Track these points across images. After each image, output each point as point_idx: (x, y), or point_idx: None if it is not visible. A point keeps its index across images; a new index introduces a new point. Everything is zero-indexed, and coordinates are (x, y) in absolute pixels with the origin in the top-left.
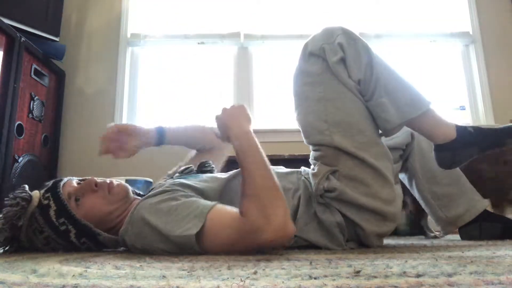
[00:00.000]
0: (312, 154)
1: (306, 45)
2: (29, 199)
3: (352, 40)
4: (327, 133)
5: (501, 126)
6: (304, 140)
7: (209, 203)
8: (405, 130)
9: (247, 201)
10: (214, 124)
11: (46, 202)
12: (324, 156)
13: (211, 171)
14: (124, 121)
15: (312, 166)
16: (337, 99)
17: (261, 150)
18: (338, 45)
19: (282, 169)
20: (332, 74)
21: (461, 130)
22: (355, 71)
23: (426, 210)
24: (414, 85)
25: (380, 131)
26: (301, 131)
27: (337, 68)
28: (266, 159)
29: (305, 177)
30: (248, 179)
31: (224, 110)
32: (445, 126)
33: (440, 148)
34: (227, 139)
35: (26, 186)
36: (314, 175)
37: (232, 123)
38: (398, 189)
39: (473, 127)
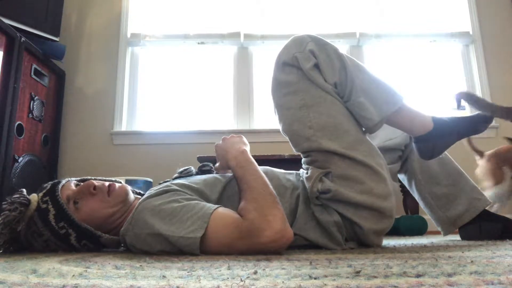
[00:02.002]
0: (303, 160)
1: (279, 56)
2: (27, 204)
3: (322, 46)
4: (314, 138)
5: (473, 113)
6: (293, 149)
7: (211, 205)
8: None
9: (246, 204)
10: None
11: (44, 206)
12: (315, 161)
13: (210, 172)
14: (124, 121)
15: (305, 171)
16: (318, 104)
17: (257, 166)
18: (310, 52)
19: (281, 170)
20: (308, 81)
21: (437, 120)
22: (330, 75)
23: (426, 210)
24: (386, 81)
25: (363, 129)
26: (289, 141)
27: (313, 74)
28: (262, 173)
29: (303, 178)
30: (246, 188)
31: (224, 139)
32: (422, 118)
33: (419, 140)
34: (226, 165)
35: (24, 190)
36: (307, 178)
37: (229, 147)
38: (395, 186)
39: (448, 117)
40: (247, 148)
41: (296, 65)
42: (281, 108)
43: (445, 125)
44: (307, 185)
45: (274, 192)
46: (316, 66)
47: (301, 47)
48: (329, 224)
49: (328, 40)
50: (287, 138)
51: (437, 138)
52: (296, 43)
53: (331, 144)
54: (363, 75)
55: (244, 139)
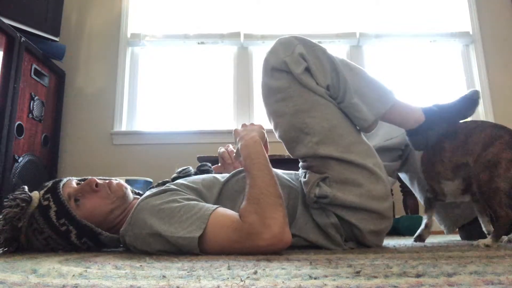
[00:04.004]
0: (300, 164)
1: (266, 61)
2: (28, 200)
3: (310, 48)
4: (310, 144)
5: (459, 98)
6: (290, 155)
7: (210, 206)
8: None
9: (247, 205)
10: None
11: (46, 203)
12: (312, 166)
13: (208, 171)
14: (124, 121)
15: (303, 174)
16: (312, 109)
17: (267, 159)
18: (299, 56)
19: (280, 170)
20: (300, 85)
21: (427, 111)
22: (322, 77)
23: None
24: (377, 79)
25: (358, 128)
26: (285, 147)
27: (304, 78)
28: (271, 167)
29: (301, 179)
30: (251, 184)
31: (243, 125)
32: (413, 111)
33: (412, 133)
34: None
35: (26, 187)
36: (305, 183)
37: (245, 134)
38: (391, 181)
39: (436, 105)
40: (263, 139)
41: (286, 70)
42: (275, 115)
43: (435, 115)
44: (305, 190)
45: (279, 191)
46: (307, 69)
47: (289, 50)
48: (327, 226)
49: (328, 40)
50: (283, 143)
51: (428, 129)
52: (283, 46)
53: (327, 149)
54: (354, 75)
55: (263, 130)
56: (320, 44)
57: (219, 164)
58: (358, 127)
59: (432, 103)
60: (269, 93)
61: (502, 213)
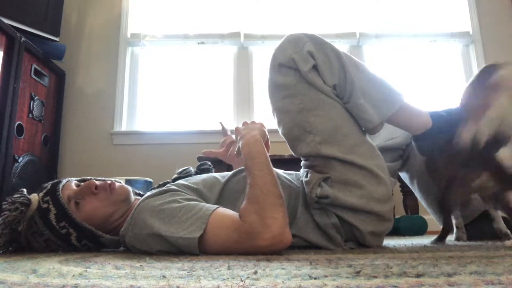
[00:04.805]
0: (302, 163)
1: (274, 57)
2: (28, 204)
3: (320, 46)
4: (313, 144)
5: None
6: (292, 153)
7: (210, 206)
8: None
9: (247, 204)
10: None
11: (45, 205)
12: (314, 165)
13: (209, 170)
14: (124, 121)
15: (304, 173)
16: (317, 108)
17: (268, 158)
18: (308, 53)
19: (281, 170)
20: (307, 83)
21: (435, 116)
22: (329, 76)
23: (429, 209)
24: (386, 80)
25: (363, 128)
26: (287, 144)
27: (311, 76)
28: (271, 167)
29: (302, 179)
30: (251, 184)
31: (245, 123)
32: (421, 115)
33: (419, 139)
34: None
35: (24, 190)
36: (307, 183)
37: (246, 133)
38: (393, 182)
39: (444, 110)
40: (264, 138)
41: (293, 67)
42: (279, 111)
43: (443, 120)
44: (306, 189)
45: (280, 191)
46: (315, 67)
47: (297, 47)
48: (327, 227)
49: (328, 40)
50: (286, 140)
51: (435, 135)
52: (292, 43)
53: (330, 150)
54: (362, 75)
55: (264, 128)
56: None
57: (222, 150)
58: (363, 128)
59: (441, 107)
60: (275, 89)
61: (446, 225)
